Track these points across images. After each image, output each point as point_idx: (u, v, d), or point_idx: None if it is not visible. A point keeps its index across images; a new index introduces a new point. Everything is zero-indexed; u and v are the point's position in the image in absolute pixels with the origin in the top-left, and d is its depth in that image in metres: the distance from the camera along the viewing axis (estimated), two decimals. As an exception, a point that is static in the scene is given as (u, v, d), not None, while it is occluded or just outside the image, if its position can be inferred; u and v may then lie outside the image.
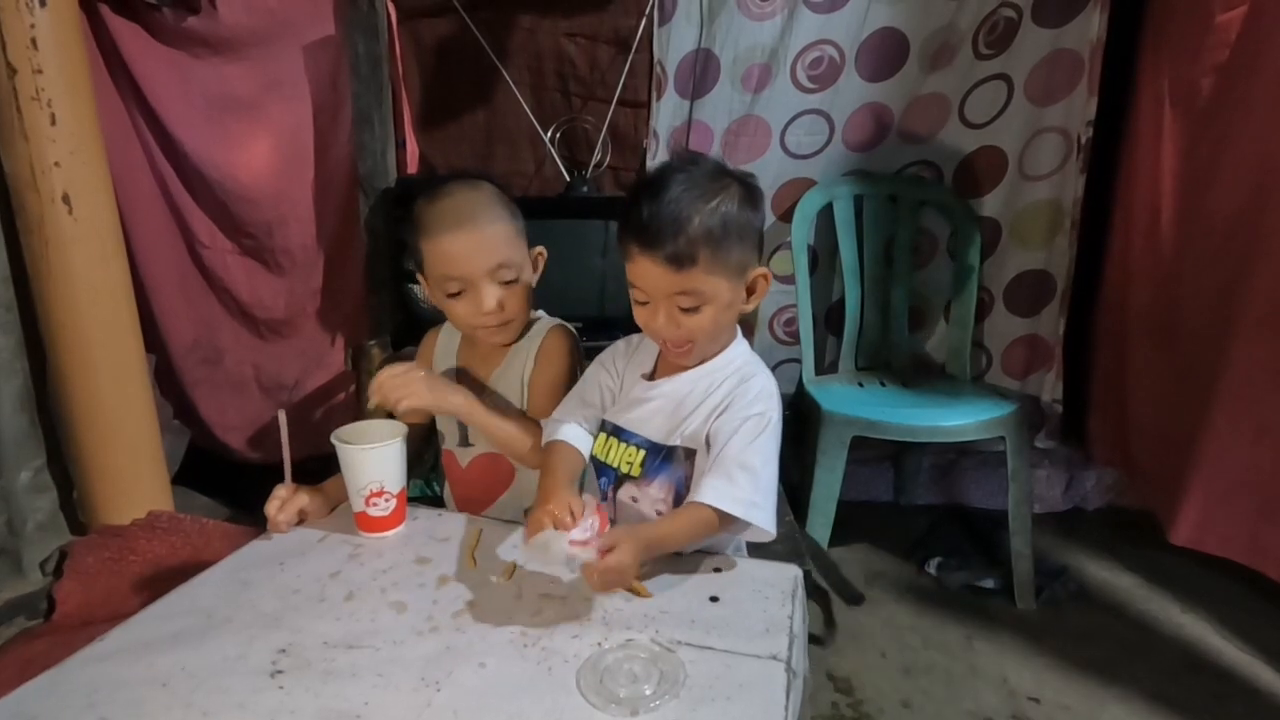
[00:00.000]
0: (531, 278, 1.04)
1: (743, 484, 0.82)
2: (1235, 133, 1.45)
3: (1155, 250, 1.66)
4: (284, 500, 0.95)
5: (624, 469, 0.91)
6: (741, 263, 0.85)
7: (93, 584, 1.40)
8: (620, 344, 1.00)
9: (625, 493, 0.92)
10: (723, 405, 0.87)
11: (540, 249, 1.06)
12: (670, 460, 0.89)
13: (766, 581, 0.82)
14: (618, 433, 0.93)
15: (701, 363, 0.91)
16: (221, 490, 2.01)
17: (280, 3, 1.79)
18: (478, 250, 0.97)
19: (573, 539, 0.73)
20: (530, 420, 1.02)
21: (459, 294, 0.99)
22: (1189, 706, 1.36)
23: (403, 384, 0.96)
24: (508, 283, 0.99)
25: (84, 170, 1.46)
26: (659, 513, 0.90)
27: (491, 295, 0.98)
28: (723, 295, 0.85)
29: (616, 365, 0.98)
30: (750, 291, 0.87)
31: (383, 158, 1.95)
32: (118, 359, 1.54)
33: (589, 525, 0.76)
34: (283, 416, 0.95)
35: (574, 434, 0.96)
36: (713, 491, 0.81)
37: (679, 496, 0.89)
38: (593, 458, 0.96)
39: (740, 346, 0.93)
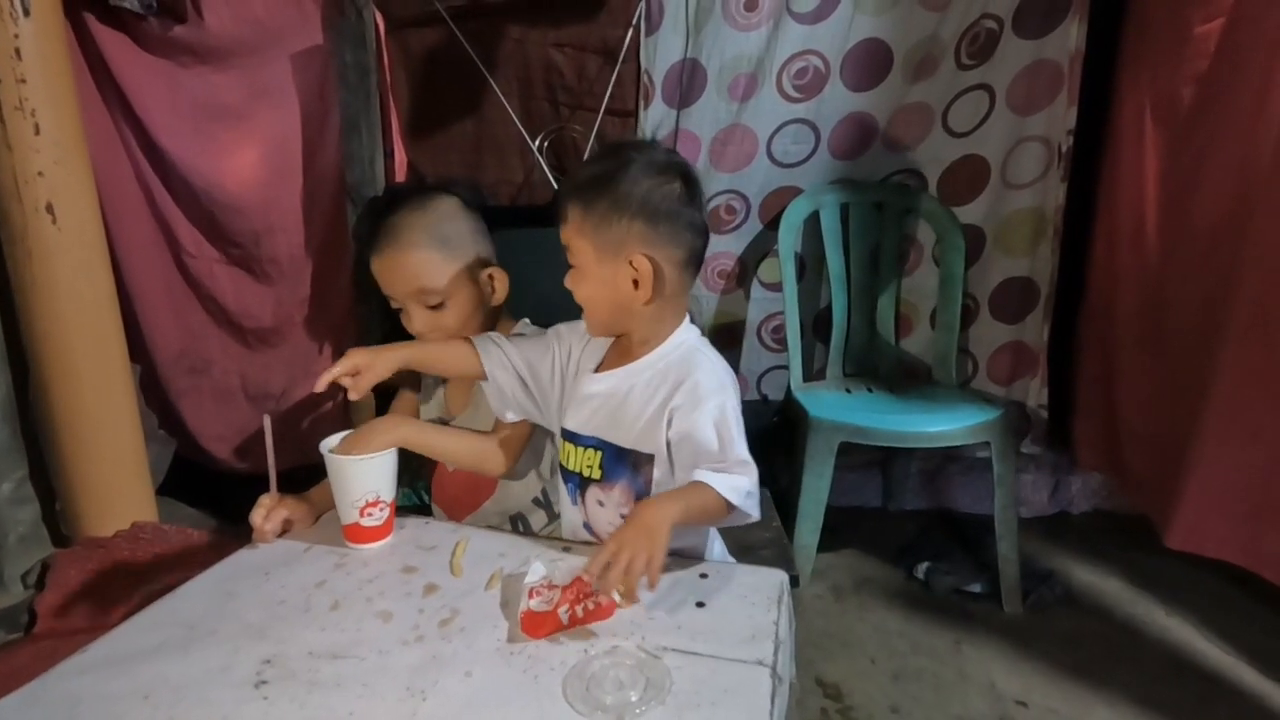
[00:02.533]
0: (475, 298, 1.05)
1: (739, 475, 0.83)
2: (1217, 141, 1.47)
3: (1141, 257, 1.69)
4: (269, 510, 0.94)
5: (585, 473, 0.92)
6: (613, 238, 0.84)
7: (75, 597, 1.38)
8: (581, 323, 0.98)
9: (592, 496, 0.93)
10: (675, 406, 0.86)
11: (493, 270, 1.07)
12: (628, 464, 0.89)
13: (753, 587, 0.83)
14: (572, 438, 0.94)
15: (634, 358, 0.91)
16: (207, 501, 2.00)
17: (268, 12, 1.79)
18: (395, 274, 1.01)
19: (528, 584, 0.78)
20: (486, 439, 1.03)
21: (399, 310, 1.04)
22: (1175, 709, 1.37)
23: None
24: (434, 307, 1.02)
25: (68, 180, 1.45)
26: (623, 517, 0.89)
27: (417, 317, 1.03)
28: (590, 266, 0.86)
29: (574, 337, 0.99)
30: (635, 283, 0.85)
31: (371, 166, 1.95)
32: (101, 369, 1.53)
33: (536, 570, 0.79)
34: (268, 423, 0.95)
35: (491, 349, 0.97)
36: (715, 479, 0.81)
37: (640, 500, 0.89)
38: (560, 466, 0.96)
39: (678, 337, 0.91)
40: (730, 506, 0.81)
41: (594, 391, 0.92)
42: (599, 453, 0.91)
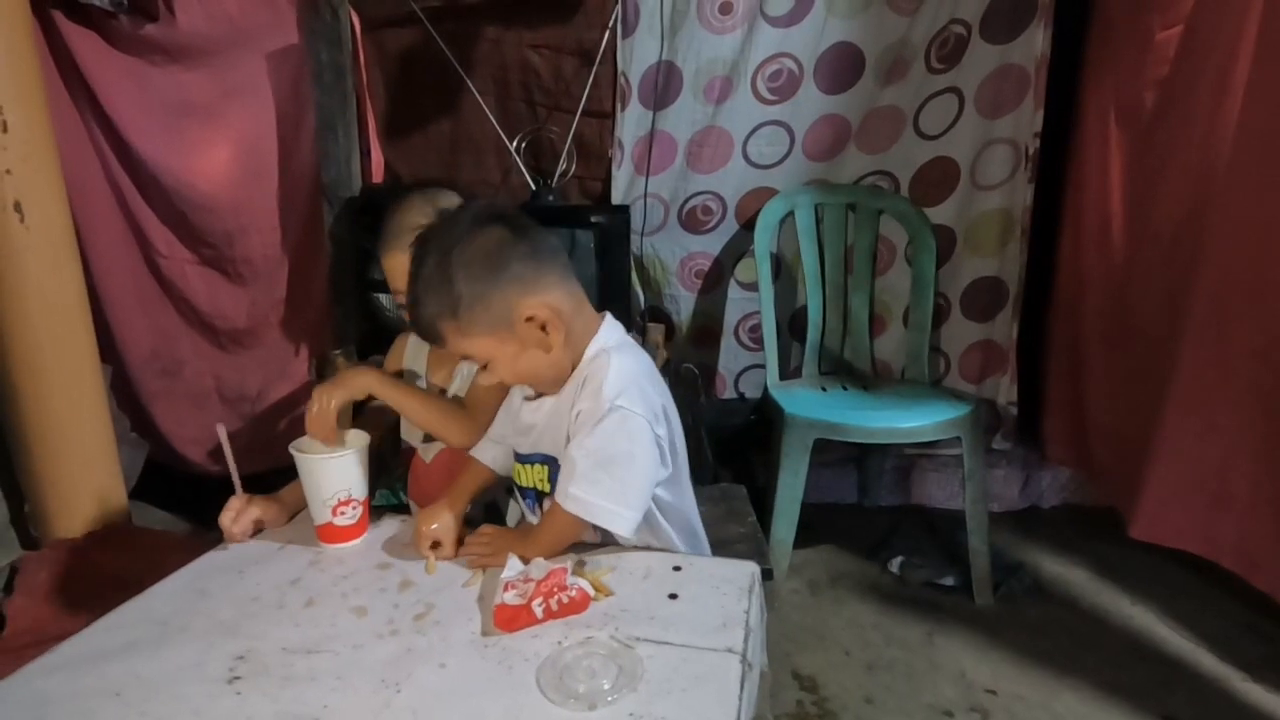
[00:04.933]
0: None
1: (565, 474, 0.85)
2: (1177, 145, 1.52)
3: (1106, 257, 1.73)
4: (237, 511, 0.94)
5: (539, 486, 0.94)
6: (496, 318, 0.83)
7: (45, 600, 1.36)
8: None
9: (546, 508, 0.94)
10: (575, 412, 0.87)
11: None
12: None
13: (725, 578, 0.84)
14: (520, 458, 0.96)
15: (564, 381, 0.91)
16: (181, 505, 1.97)
17: (240, 11, 1.78)
18: None
19: (504, 578, 0.79)
20: (453, 405, 1.05)
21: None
22: (1137, 694, 1.41)
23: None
24: None
25: (36, 178, 1.43)
26: None
27: None
28: (496, 351, 0.86)
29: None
30: (542, 328, 0.85)
31: (347, 166, 1.94)
32: (71, 370, 1.51)
33: (513, 565, 0.80)
34: (223, 431, 0.96)
35: (490, 454, 1.00)
36: (560, 489, 0.85)
37: None
38: (514, 484, 0.98)
39: (593, 346, 0.89)
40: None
41: (532, 421, 0.93)
42: (545, 467, 0.92)
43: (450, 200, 1.05)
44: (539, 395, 0.93)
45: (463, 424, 1.02)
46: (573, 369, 0.90)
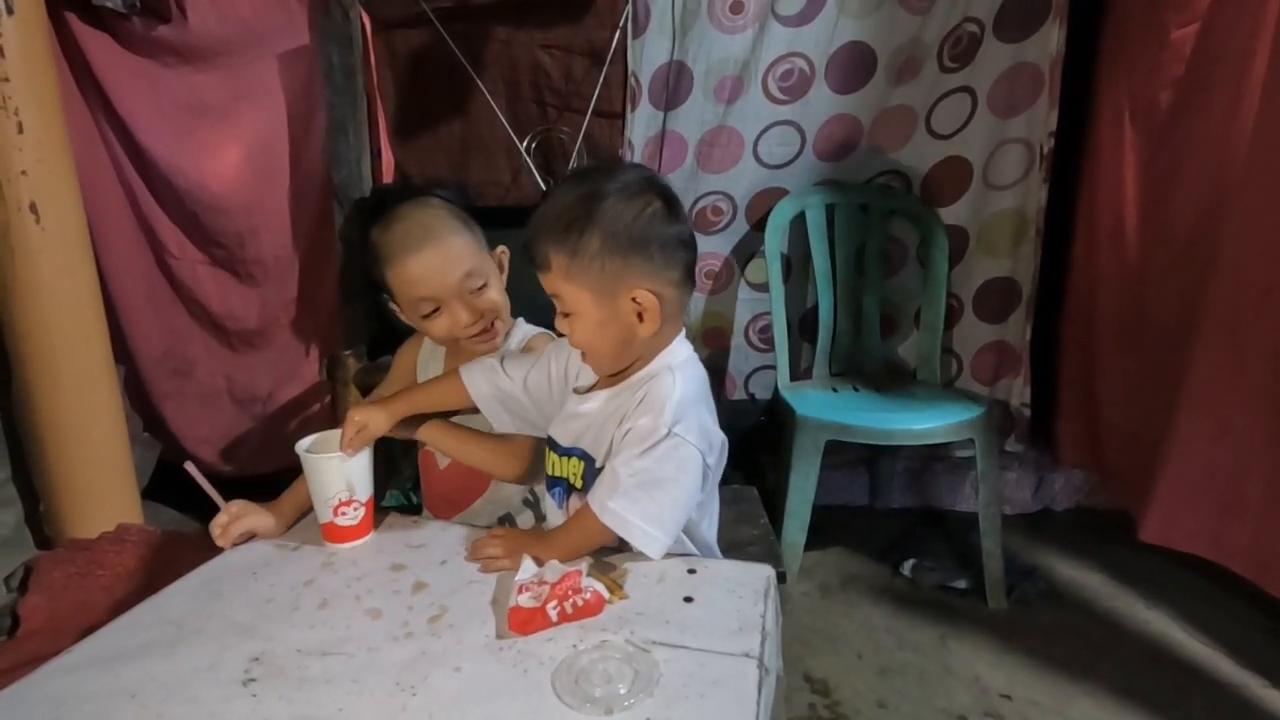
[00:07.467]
0: (500, 280, 1.06)
1: (604, 485, 0.83)
2: (1193, 144, 1.50)
3: (1120, 258, 1.71)
4: (223, 527, 0.94)
5: (572, 480, 0.93)
6: (609, 278, 0.80)
7: (59, 599, 1.37)
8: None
9: (574, 503, 0.93)
10: (628, 429, 0.85)
11: (502, 248, 1.08)
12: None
13: (740, 581, 0.83)
14: (555, 447, 0.94)
15: (624, 378, 0.89)
16: (192, 505, 1.97)
17: (253, 12, 1.79)
18: (442, 266, 0.98)
19: (518, 580, 0.78)
20: (498, 439, 1.03)
21: (434, 312, 1.01)
22: (1154, 700, 1.40)
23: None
24: (478, 290, 1.01)
25: (51, 179, 1.44)
26: None
27: (465, 307, 1.00)
28: (587, 310, 0.82)
29: (570, 362, 0.96)
30: (640, 316, 0.83)
31: (357, 167, 1.95)
32: (85, 370, 1.52)
33: (527, 567, 0.80)
34: (192, 468, 0.98)
35: (482, 387, 0.96)
36: (595, 495, 0.84)
37: None
38: (546, 475, 0.97)
39: (664, 358, 0.87)
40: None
41: (580, 411, 0.91)
42: (582, 462, 0.91)
43: (439, 206, 1.03)
44: (590, 389, 0.91)
45: (509, 458, 1.01)
46: (633, 369, 0.88)
